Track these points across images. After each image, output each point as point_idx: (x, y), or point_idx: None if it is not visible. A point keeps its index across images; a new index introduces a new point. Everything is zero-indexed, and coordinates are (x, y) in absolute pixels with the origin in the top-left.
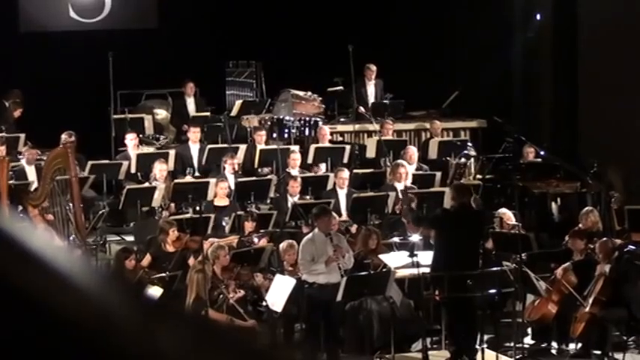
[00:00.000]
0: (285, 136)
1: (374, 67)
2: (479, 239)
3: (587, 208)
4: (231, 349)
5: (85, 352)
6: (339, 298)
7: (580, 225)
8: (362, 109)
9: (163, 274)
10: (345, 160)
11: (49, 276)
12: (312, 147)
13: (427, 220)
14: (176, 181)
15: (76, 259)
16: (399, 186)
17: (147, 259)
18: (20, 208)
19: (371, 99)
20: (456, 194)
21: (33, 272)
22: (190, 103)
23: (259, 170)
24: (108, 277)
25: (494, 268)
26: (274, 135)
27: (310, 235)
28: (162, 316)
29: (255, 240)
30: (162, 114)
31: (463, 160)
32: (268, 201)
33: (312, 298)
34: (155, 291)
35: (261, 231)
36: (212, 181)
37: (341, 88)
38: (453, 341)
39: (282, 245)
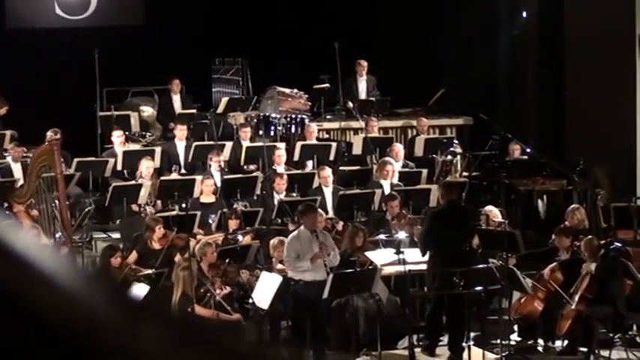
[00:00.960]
0: (272, 133)
1: (364, 63)
2: (469, 235)
3: (573, 206)
4: (216, 348)
5: (67, 352)
6: (325, 295)
7: (566, 222)
8: (350, 104)
9: (149, 272)
10: (332, 158)
11: (32, 276)
12: (299, 144)
13: (424, 233)
14: (162, 178)
15: (60, 258)
16: (385, 183)
17: (133, 257)
18: (5, 205)
19: (362, 95)
20: (444, 192)
21: (16, 272)
22: (176, 101)
23: (245, 167)
24: (92, 277)
25: (481, 266)
26: (260, 132)
27: (296, 232)
28: (146, 315)
29: (240, 238)
30: (148, 111)
31: (449, 157)
32: (255, 198)
33: (298, 295)
34: (141, 288)
35: (248, 228)
36: (198, 178)
37: (327, 85)
38: (430, 335)
39: (273, 242)
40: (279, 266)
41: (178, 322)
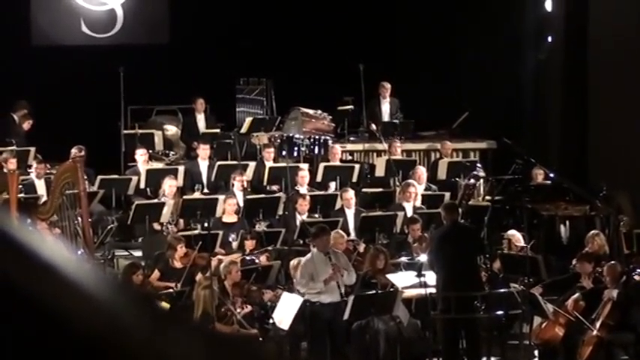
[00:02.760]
0: (295, 154)
1: (388, 85)
2: (475, 255)
3: (592, 232)
4: (240, 358)
5: (93, 358)
6: (346, 316)
7: (587, 248)
8: (373, 126)
9: (171, 290)
10: (355, 179)
11: (59, 283)
12: (322, 165)
13: (430, 262)
14: (185, 197)
15: (87, 267)
16: (408, 206)
17: (155, 275)
18: (29, 221)
19: (385, 117)
20: (446, 213)
21: (44, 279)
22: (200, 120)
23: (268, 188)
24: (118, 285)
25: (502, 290)
26: (284, 153)
27: (309, 255)
28: (171, 324)
29: (255, 259)
30: (172, 130)
31: (472, 180)
32: (277, 218)
33: (315, 316)
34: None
35: (270, 248)
36: (221, 197)
37: (351, 107)
38: (450, 359)
39: (293, 262)
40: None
41: (204, 332)
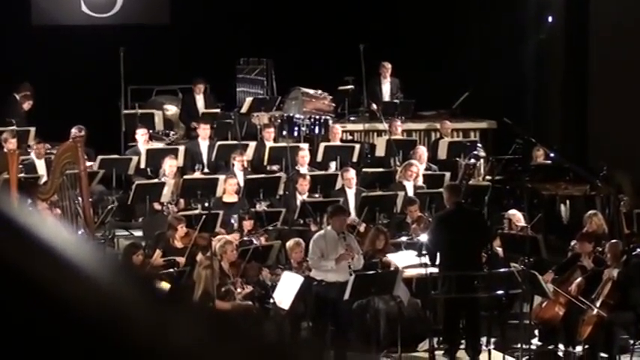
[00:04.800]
0: (295, 134)
1: (389, 65)
2: (479, 237)
3: (591, 211)
4: (244, 341)
5: (96, 343)
6: (346, 296)
7: (585, 228)
8: (374, 106)
9: (171, 270)
10: (355, 159)
11: (59, 265)
12: (322, 145)
13: (432, 238)
14: (185, 177)
15: (88, 249)
16: (409, 185)
17: (158, 255)
18: (29, 201)
19: (385, 97)
20: (449, 195)
21: (43, 261)
22: (199, 100)
23: (268, 167)
24: (119, 268)
25: (502, 270)
26: (284, 132)
27: (322, 231)
28: (174, 306)
29: (254, 240)
30: (172, 110)
31: (472, 160)
32: (278, 198)
33: (319, 295)
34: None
35: (270, 227)
36: (221, 177)
37: (352, 87)
38: (450, 339)
39: (289, 243)
40: (297, 266)
41: (208, 314)
